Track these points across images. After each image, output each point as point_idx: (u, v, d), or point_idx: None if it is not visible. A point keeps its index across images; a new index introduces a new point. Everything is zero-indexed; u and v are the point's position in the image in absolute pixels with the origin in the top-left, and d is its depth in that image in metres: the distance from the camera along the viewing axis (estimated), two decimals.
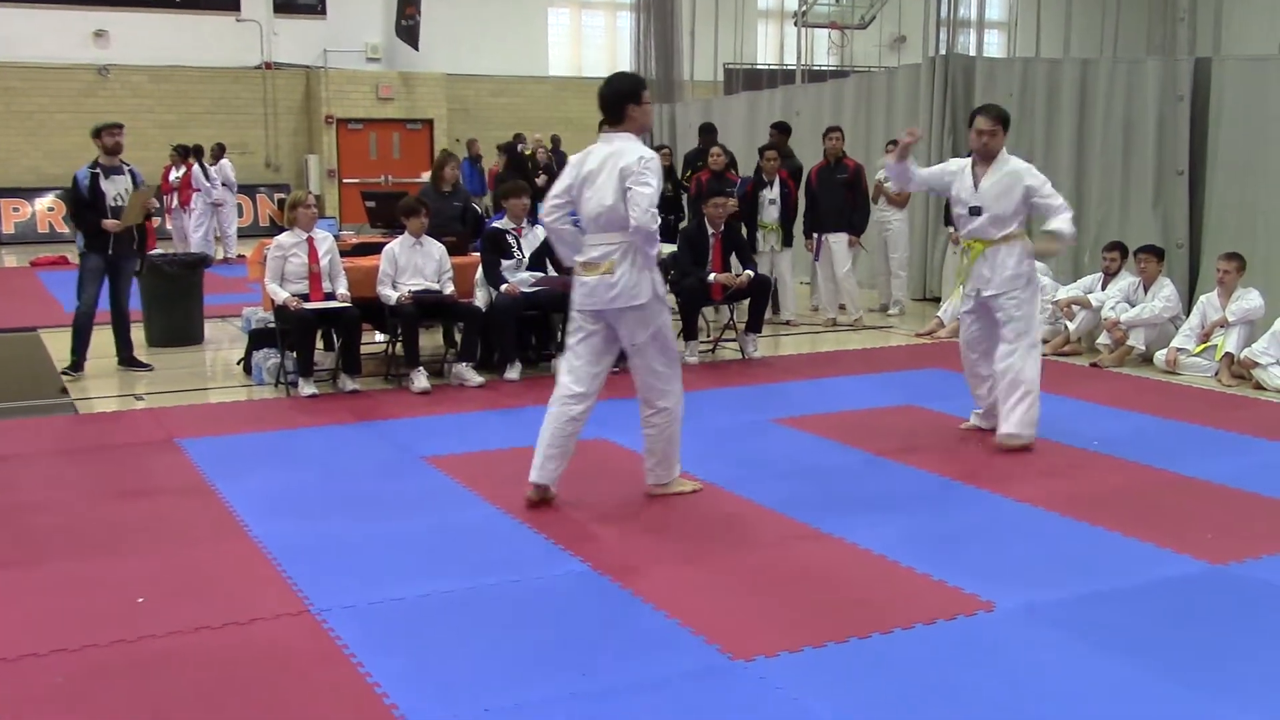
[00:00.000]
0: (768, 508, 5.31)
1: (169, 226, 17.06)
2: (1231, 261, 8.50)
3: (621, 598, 4.25)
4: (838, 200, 10.67)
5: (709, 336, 9.56)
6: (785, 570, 4.56)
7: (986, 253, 6.38)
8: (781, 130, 11.56)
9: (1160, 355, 8.63)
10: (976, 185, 6.41)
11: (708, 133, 12.27)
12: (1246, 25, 18.02)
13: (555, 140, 20.08)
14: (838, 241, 10.66)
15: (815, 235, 10.83)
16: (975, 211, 6.41)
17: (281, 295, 7.66)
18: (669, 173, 12.16)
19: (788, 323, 10.79)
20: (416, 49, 21.56)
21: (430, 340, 8.82)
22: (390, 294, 7.84)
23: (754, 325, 9.10)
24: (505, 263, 8.27)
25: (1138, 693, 3.51)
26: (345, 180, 21.63)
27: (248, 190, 20.50)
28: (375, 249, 8.38)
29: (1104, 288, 9.24)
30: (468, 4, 22.27)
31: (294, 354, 7.71)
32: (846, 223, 10.69)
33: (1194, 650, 3.80)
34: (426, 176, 11.37)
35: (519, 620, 4.07)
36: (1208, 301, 8.62)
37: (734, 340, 9.33)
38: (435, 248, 8.14)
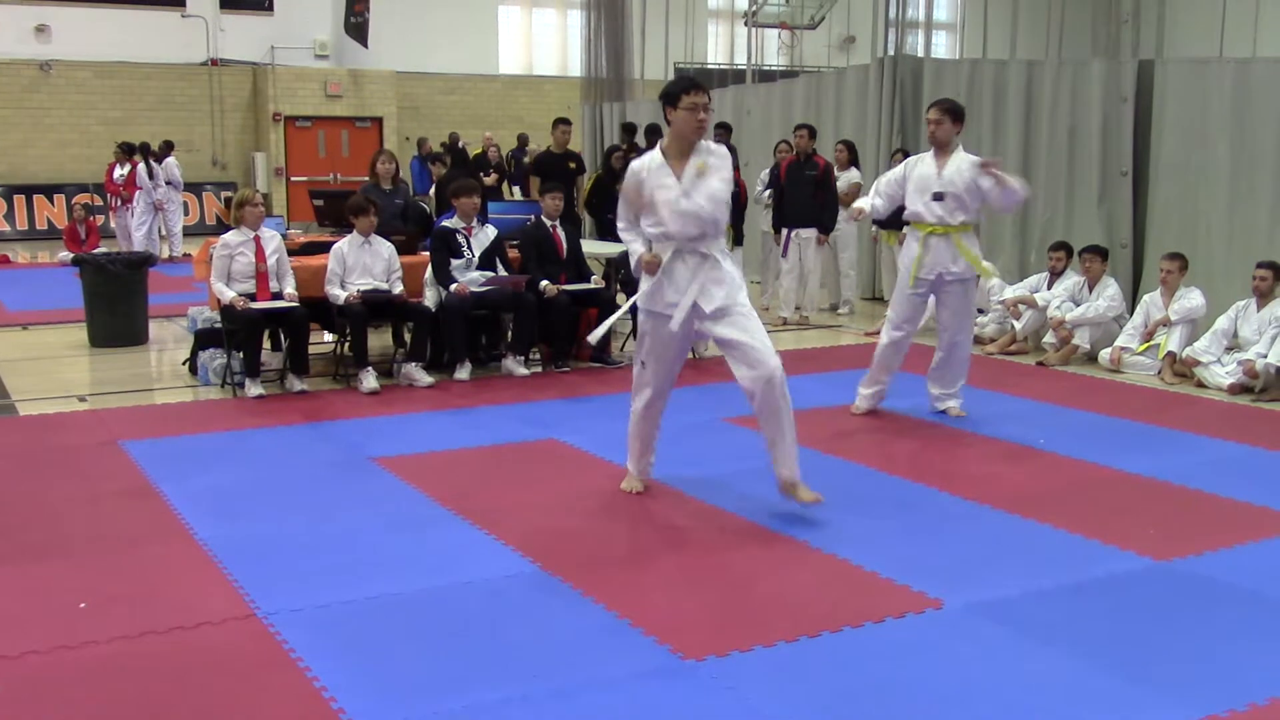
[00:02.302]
0: (719, 507, 5.33)
1: (113, 225, 16.83)
2: (1174, 261, 8.63)
3: (572, 598, 4.24)
4: (806, 197, 10.70)
5: None
6: (737, 569, 4.57)
7: (950, 237, 6.82)
8: (724, 130, 11.61)
9: (1105, 354, 8.75)
10: (940, 173, 6.81)
11: (653, 133, 12.29)
12: (1189, 28, 18.29)
13: (522, 139, 20.00)
14: (807, 238, 10.71)
15: (784, 231, 10.86)
16: (938, 197, 6.83)
17: (228, 295, 7.58)
18: (622, 173, 12.19)
19: None
20: (366, 46, 21.41)
21: (379, 340, 8.76)
22: (339, 293, 7.78)
23: None
24: (455, 262, 8.23)
25: (1081, 688, 3.55)
26: (293, 178, 21.42)
27: (194, 188, 20.26)
28: (324, 248, 8.31)
29: (1050, 287, 9.35)
30: (418, 1, 22.14)
31: (241, 354, 7.63)
32: (815, 220, 10.73)
33: (1137, 646, 3.85)
34: None
35: (469, 622, 4.05)
36: (1151, 301, 8.75)
37: None
38: (384, 247, 8.09)
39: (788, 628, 3.96)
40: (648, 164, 5.17)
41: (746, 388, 5.10)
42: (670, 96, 5.08)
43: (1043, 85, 10.78)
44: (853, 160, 11.47)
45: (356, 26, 21.41)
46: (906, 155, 8.51)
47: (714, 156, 5.08)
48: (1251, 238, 9.10)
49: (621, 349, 9.11)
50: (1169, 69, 10.01)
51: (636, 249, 5.28)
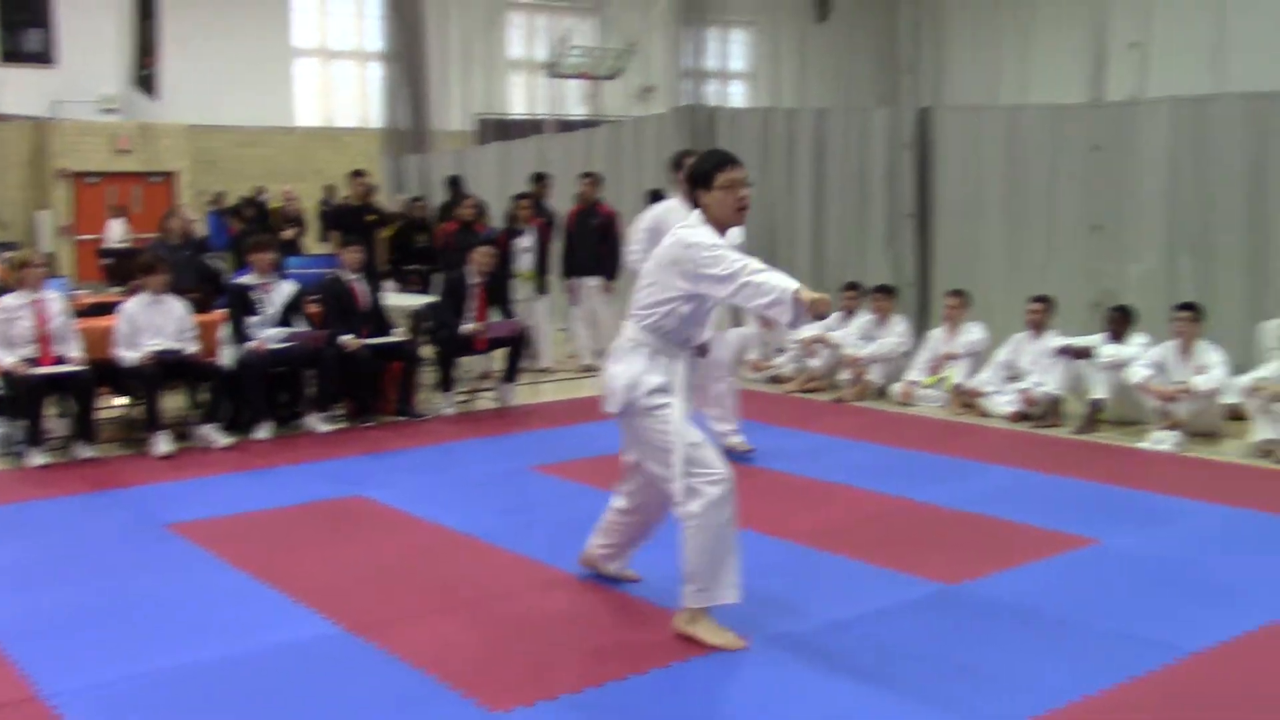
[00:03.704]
0: (526, 555, 5.32)
1: None
2: (957, 298, 9.08)
3: (377, 657, 4.18)
4: (592, 245, 10.82)
5: (466, 387, 9.52)
6: (544, 618, 4.58)
7: None
8: (542, 180, 11.71)
9: (896, 388, 9.11)
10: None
11: (454, 185, 12.31)
12: (964, 77, 19.33)
13: (329, 191, 19.58)
14: (594, 286, 10.81)
15: (572, 280, 10.94)
16: None
17: (7, 361, 7.22)
18: (424, 224, 12.13)
19: (545, 370, 10.87)
20: (156, 99, 20.77)
21: (174, 402, 8.46)
22: (129, 355, 7.51)
23: (511, 374, 9.13)
24: (252, 319, 8.04)
25: (875, 714, 3.68)
26: (81, 236, 20.55)
27: None
28: (113, 308, 8.01)
29: (843, 326, 9.70)
30: (209, 53, 21.59)
31: (21, 422, 7.27)
32: (600, 268, 10.84)
33: (928, 668, 4.02)
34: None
35: (268, 688, 3.94)
36: (936, 336, 9.17)
37: (492, 389, 9.33)
38: (176, 305, 7.85)
39: (596, 673, 3.98)
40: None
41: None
42: (704, 176, 4.31)
43: (832, 132, 11.23)
44: None
45: (145, 79, 20.77)
46: None
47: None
48: (1026, 273, 9.65)
49: (427, 401, 9.04)
50: (947, 115, 10.57)
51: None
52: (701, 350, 4.59)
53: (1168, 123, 9.02)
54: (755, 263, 4.14)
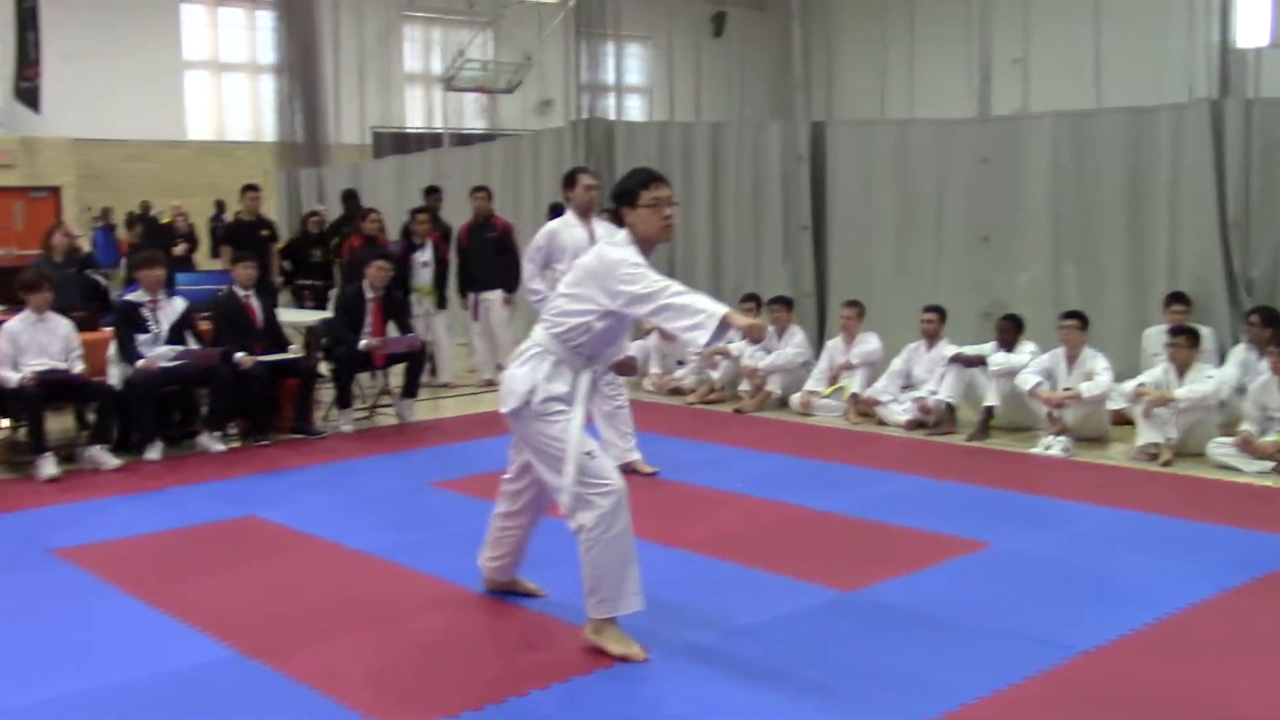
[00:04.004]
0: (426, 573, 5.27)
1: None
2: (852, 309, 9.22)
3: (274, 680, 4.10)
4: (490, 258, 10.76)
5: (365, 403, 9.41)
6: (445, 635, 4.53)
7: None
8: (434, 193, 11.62)
9: (795, 398, 9.22)
10: (592, 237, 6.62)
11: (350, 198, 12.17)
12: (855, 92, 19.69)
13: (220, 206, 19.22)
14: (493, 299, 10.75)
15: (471, 295, 10.87)
16: None
17: None
18: (320, 239, 11.96)
19: (446, 385, 10.79)
20: (38, 112, 20.19)
21: (60, 423, 8.22)
22: (11, 376, 7.27)
23: (410, 390, 9.04)
24: (141, 337, 7.85)
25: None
26: None
27: None
28: None
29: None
30: (95, 65, 21.06)
31: None
32: (500, 281, 10.79)
33: (827, 674, 4.06)
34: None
35: (163, 716, 3.83)
36: (834, 346, 9.30)
37: (390, 406, 9.23)
38: (61, 324, 7.64)
39: (497, 690, 3.95)
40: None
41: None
42: (628, 194, 4.30)
43: (727, 146, 11.34)
44: None
45: (27, 92, 20.16)
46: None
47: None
48: (918, 284, 9.84)
49: (324, 418, 8.91)
50: (839, 130, 10.75)
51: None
52: (625, 368, 4.58)
53: (1051, 136, 9.29)
54: (677, 285, 4.14)
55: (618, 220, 4.45)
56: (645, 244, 4.30)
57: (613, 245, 4.30)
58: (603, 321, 4.27)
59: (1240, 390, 7.60)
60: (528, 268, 7.11)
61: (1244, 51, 12.61)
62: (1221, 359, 8.10)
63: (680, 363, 10.30)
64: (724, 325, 3.97)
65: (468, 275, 10.87)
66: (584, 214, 6.94)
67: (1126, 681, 3.98)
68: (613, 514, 4.16)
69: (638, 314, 4.22)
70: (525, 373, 4.33)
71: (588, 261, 4.35)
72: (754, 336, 4.09)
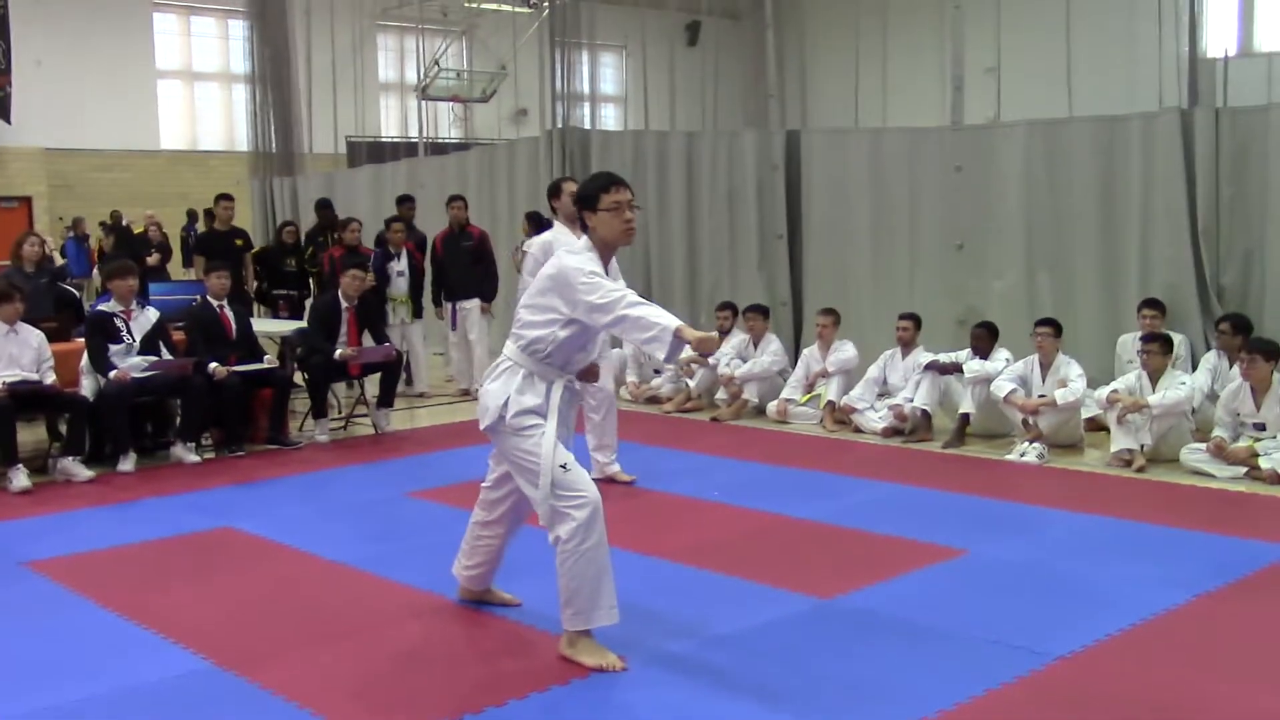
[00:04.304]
0: (402, 583, 5.25)
1: None
2: (828, 316, 9.25)
3: (248, 693, 4.07)
4: (465, 268, 10.73)
5: (340, 413, 9.37)
6: (421, 646, 4.51)
7: None
8: (407, 202, 11.58)
9: (772, 406, 9.23)
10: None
11: (324, 208, 12.11)
12: (828, 101, 19.77)
13: (192, 215, 19.11)
14: (470, 308, 10.72)
15: (449, 304, 10.82)
16: None
17: None
18: (294, 248, 11.90)
19: (421, 395, 10.75)
20: (9, 122, 20.05)
21: (32, 434, 8.15)
22: None
23: (386, 399, 9.00)
24: (114, 347, 7.80)
25: None
26: None
27: None
28: None
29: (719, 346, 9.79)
30: (67, 74, 20.94)
31: None
32: (477, 290, 10.76)
33: (806, 681, 4.07)
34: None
35: None
36: (810, 354, 9.32)
37: (366, 415, 9.19)
38: (32, 335, 7.58)
39: (473, 700, 3.93)
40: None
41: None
42: (589, 198, 4.28)
43: (702, 154, 11.36)
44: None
45: None
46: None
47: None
48: (893, 292, 9.89)
49: (300, 429, 8.87)
50: (813, 138, 10.79)
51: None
52: (587, 375, 4.57)
53: (1024, 145, 9.35)
54: (633, 295, 4.13)
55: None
56: (606, 248, 4.30)
57: (571, 253, 4.30)
58: (566, 330, 4.26)
59: (1211, 397, 7.66)
60: (526, 280, 7.08)
61: (1213, 61, 12.73)
62: (1194, 365, 8.16)
63: (657, 371, 10.30)
64: (678, 339, 3.96)
65: (445, 285, 10.83)
66: (573, 223, 6.87)
67: (1103, 686, 4.00)
68: (587, 526, 4.15)
69: (598, 324, 4.21)
70: (498, 388, 4.32)
71: (548, 270, 4.34)
72: (704, 350, 4.08)
